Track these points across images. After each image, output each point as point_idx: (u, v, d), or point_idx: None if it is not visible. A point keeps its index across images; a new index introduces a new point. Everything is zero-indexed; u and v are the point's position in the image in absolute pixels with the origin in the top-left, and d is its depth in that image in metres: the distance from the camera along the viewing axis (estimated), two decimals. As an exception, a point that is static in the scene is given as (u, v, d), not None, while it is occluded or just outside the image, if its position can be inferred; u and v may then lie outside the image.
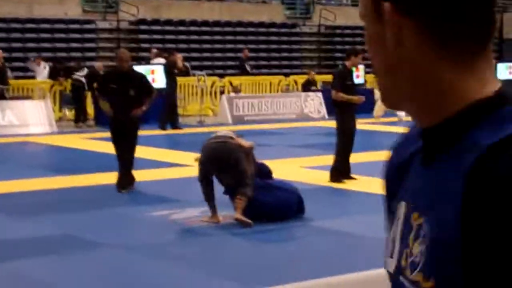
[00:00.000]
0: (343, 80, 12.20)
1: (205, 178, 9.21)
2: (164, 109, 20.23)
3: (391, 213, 1.35)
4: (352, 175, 12.22)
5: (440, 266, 1.15)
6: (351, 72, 12.52)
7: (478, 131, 1.15)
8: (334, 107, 12.54)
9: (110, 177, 11.61)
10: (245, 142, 9.40)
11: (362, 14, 1.24)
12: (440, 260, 1.15)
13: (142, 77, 11.76)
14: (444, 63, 1.18)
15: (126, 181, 11.26)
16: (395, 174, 1.35)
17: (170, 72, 20.54)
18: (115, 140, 11.35)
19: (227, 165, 9.10)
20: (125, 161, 11.26)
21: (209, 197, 9.20)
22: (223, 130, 10.98)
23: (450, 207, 1.13)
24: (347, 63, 12.46)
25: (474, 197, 1.10)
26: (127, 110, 11.10)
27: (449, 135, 1.19)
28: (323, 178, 12.58)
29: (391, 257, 1.29)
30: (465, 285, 1.11)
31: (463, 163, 1.13)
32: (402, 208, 1.28)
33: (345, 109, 12.07)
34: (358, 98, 12.25)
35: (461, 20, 1.16)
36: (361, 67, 26.34)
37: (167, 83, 20.33)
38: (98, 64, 22.47)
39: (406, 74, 1.20)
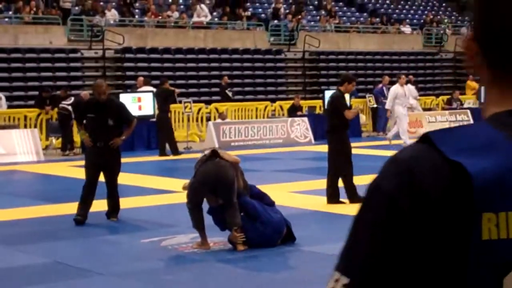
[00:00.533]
0: (344, 101, 12.71)
1: (196, 205, 9.25)
2: (163, 136, 20.36)
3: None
4: (341, 199, 12.34)
5: None
6: (344, 97, 12.91)
7: None
8: (330, 131, 12.61)
9: (99, 205, 11.63)
10: (232, 158, 9.50)
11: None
12: None
13: (120, 106, 11.70)
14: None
15: (112, 210, 11.28)
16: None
17: (166, 99, 20.55)
18: (92, 169, 11.18)
19: (222, 187, 9.16)
20: (109, 191, 11.26)
21: (200, 224, 9.24)
22: (207, 147, 11.03)
23: None
24: (341, 88, 12.76)
25: None
26: (106, 139, 11.07)
27: None
28: (310, 202, 12.65)
29: None
30: None
31: None
32: None
33: (343, 131, 12.47)
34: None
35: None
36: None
37: (164, 110, 20.42)
38: (84, 93, 22.50)
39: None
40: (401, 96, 22.76)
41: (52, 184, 16.12)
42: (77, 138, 21.26)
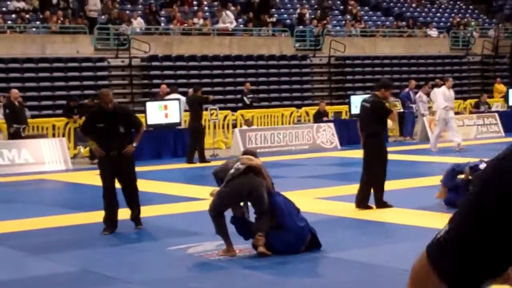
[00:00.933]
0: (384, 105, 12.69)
1: (219, 214, 9.31)
2: (194, 143, 20.48)
3: None
4: (369, 204, 12.48)
5: None
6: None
7: None
8: (370, 137, 12.60)
9: (127, 213, 11.72)
10: (255, 162, 9.53)
11: None
12: None
13: (129, 113, 11.74)
14: None
15: (136, 217, 11.32)
16: None
17: (200, 106, 20.67)
18: (109, 178, 11.14)
19: (253, 201, 9.26)
20: (130, 198, 11.27)
21: (223, 230, 9.30)
22: (237, 154, 10.93)
23: None
24: (378, 93, 12.81)
25: None
26: (119, 148, 11.04)
27: None
28: (336, 208, 12.66)
29: None
30: None
31: None
32: None
33: (382, 137, 12.78)
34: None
35: None
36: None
37: (198, 118, 20.48)
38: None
39: None
40: (449, 99, 22.44)
41: (80, 192, 16.24)
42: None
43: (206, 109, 22.98)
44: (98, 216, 12.41)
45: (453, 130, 22.32)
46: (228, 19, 32.43)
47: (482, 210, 1.55)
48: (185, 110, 22.29)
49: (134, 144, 11.33)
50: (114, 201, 11.15)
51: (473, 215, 1.59)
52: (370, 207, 12.37)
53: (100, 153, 11.16)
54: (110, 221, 11.09)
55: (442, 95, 22.31)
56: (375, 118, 12.54)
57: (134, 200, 11.28)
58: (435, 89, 27.99)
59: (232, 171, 9.39)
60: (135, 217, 11.33)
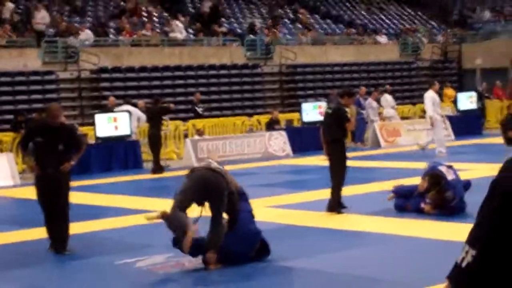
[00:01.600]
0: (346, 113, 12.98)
1: (181, 209, 9.11)
2: (157, 153, 20.65)
3: None
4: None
5: None
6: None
7: None
8: (333, 142, 12.85)
9: (75, 227, 11.49)
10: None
11: None
12: None
13: (72, 132, 11.28)
14: None
15: (63, 241, 10.69)
16: None
17: (160, 116, 20.84)
18: (46, 198, 10.65)
19: (213, 195, 9.06)
20: (60, 218, 10.66)
21: (184, 220, 9.08)
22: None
23: None
24: (342, 100, 13.22)
25: None
26: (56, 165, 10.55)
27: None
28: (289, 217, 12.58)
29: None
30: None
31: None
32: None
33: (344, 143, 12.93)
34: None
35: None
36: (323, 104, 26.48)
37: (157, 129, 20.63)
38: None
39: None
40: (436, 103, 22.20)
41: (28, 208, 15.89)
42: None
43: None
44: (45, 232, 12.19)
45: (438, 135, 22.07)
46: (178, 29, 32.27)
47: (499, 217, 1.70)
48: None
49: (72, 162, 10.78)
50: (56, 222, 10.73)
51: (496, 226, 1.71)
52: (342, 212, 12.67)
53: (36, 170, 10.66)
54: (56, 243, 10.72)
55: (431, 99, 21.98)
56: (338, 124, 12.80)
57: (64, 221, 10.71)
58: (385, 95, 28.17)
59: (196, 164, 9.36)
60: (63, 240, 10.66)
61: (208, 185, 9.04)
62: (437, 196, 11.92)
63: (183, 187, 9.18)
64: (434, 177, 12.02)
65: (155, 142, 20.65)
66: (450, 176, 11.97)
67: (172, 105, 22.06)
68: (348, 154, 13.39)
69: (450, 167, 12.31)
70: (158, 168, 20.60)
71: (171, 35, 32.06)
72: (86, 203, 15.37)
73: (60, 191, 10.69)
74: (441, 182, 11.90)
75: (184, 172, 17.86)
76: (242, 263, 9.14)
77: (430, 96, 21.95)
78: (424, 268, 8.60)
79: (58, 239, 10.65)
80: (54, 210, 10.68)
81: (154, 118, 20.76)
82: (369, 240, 10.49)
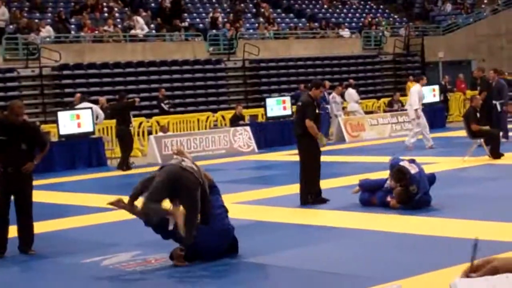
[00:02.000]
0: (313, 109, 12.92)
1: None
2: (125, 149, 20.55)
3: None
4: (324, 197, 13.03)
5: None
6: (315, 101, 13.15)
7: None
8: (302, 136, 12.97)
9: (39, 227, 11.36)
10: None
11: None
12: None
13: (36, 131, 11.03)
14: None
15: (28, 241, 10.51)
16: None
17: (128, 112, 20.70)
18: (3, 197, 10.37)
19: (184, 190, 9.00)
20: (23, 219, 10.45)
21: (160, 207, 9.05)
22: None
23: None
24: (311, 93, 13.16)
25: None
26: (18, 164, 10.32)
27: None
28: (255, 212, 12.55)
29: None
30: None
31: None
32: None
33: (310, 135, 12.84)
34: (321, 138, 13.38)
35: None
36: (287, 98, 26.54)
37: (126, 125, 20.43)
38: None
39: None
40: (421, 97, 21.91)
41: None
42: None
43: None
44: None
45: (425, 128, 21.87)
46: (139, 25, 32.09)
47: None
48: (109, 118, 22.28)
49: (35, 162, 10.57)
50: (6, 220, 10.51)
51: None
52: (325, 200, 12.92)
53: None
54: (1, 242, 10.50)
55: (417, 93, 21.76)
56: (306, 117, 12.82)
57: (27, 222, 10.48)
58: (349, 89, 28.24)
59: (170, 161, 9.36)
60: (27, 241, 10.46)
61: (178, 184, 8.98)
62: (401, 190, 11.96)
63: (154, 185, 9.09)
64: (399, 172, 12.06)
65: (123, 138, 20.47)
66: (413, 170, 12.01)
67: (137, 99, 21.93)
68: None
69: (412, 161, 12.35)
70: (124, 165, 20.39)
71: (133, 31, 31.86)
72: (50, 201, 15.24)
73: (23, 190, 10.50)
74: (405, 177, 11.95)
75: (149, 169, 17.76)
76: (213, 259, 9.10)
77: (416, 89, 21.93)
78: (390, 262, 8.62)
79: (23, 238, 10.50)
80: (19, 210, 10.50)
81: (121, 114, 20.60)
82: (335, 234, 10.50)
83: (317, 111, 13.06)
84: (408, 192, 11.92)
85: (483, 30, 40.68)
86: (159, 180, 9.09)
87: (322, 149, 13.50)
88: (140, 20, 32.27)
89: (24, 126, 10.56)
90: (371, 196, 12.48)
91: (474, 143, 18.15)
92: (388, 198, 12.16)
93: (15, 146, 10.34)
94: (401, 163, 12.21)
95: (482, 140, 17.95)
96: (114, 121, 23.70)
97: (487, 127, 18.52)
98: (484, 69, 24.13)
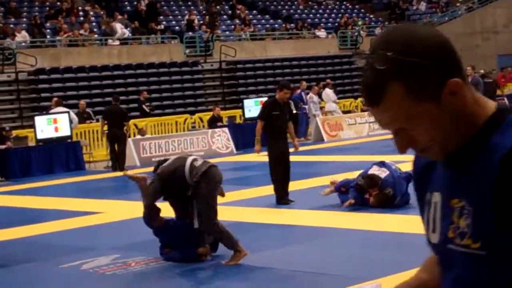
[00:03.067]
0: (270, 110, 13.01)
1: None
2: (123, 152, 20.88)
3: (422, 202, 1.99)
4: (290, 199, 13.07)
5: (483, 230, 1.76)
6: (278, 104, 13.13)
7: (496, 137, 1.78)
8: (266, 137, 13.25)
9: (17, 232, 11.30)
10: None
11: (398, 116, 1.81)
12: (482, 226, 1.76)
13: None
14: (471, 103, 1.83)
15: None
16: (421, 176, 2.01)
17: (124, 116, 21.01)
18: None
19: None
20: None
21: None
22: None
23: (487, 188, 1.74)
24: (277, 95, 13.31)
25: (507, 178, 1.71)
26: None
27: (474, 145, 1.81)
28: (234, 213, 12.52)
29: (434, 232, 1.94)
30: (499, 237, 1.73)
31: (494, 158, 1.74)
32: (436, 197, 1.92)
33: (272, 137, 13.00)
34: (257, 148, 13.32)
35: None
36: (265, 99, 26.53)
37: (121, 127, 20.72)
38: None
39: (451, 120, 1.81)
40: None
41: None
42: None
43: (97, 120, 22.55)
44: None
45: None
46: (115, 28, 32.03)
47: None
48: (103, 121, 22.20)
49: None
50: None
51: None
52: (291, 201, 12.98)
53: None
54: None
55: None
56: (260, 117, 13.20)
57: None
58: (326, 89, 28.27)
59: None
60: None
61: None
62: (378, 194, 11.92)
63: (153, 189, 9.08)
64: (369, 179, 11.99)
65: (123, 141, 20.94)
66: (383, 174, 11.96)
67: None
68: (293, 149, 13.45)
69: (382, 164, 12.28)
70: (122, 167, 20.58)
71: (115, 37, 31.77)
72: (28, 206, 15.14)
73: None
74: (377, 183, 11.91)
75: (127, 172, 17.67)
76: (192, 260, 9.08)
77: None
78: (370, 261, 8.63)
79: None
80: None
81: (116, 117, 20.82)
82: (315, 234, 10.50)
83: (276, 112, 12.97)
84: (385, 195, 11.90)
85: (458, 28, 40.90)
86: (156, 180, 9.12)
87: (302, 148, 13.61)
88: (117, 26, 32.20)
89: None
90: (348, 198, 12.42)
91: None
92: (367, 195, 12.10)
93: None
94: (370, 171, 12.14)
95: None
96: (92, 124, 23.63)
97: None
98: (474, 67, 24.33)
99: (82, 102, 25.03)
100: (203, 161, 9.18)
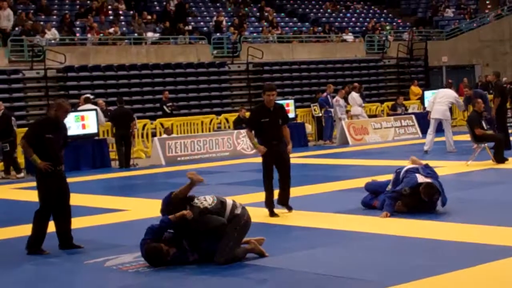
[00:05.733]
0: (257, 117, 12.32)
1: None
2: (129, 150, 21.72)
3: None
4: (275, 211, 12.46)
5: None
6: (267, 109, 12.32)
7: None
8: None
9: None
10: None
11: None
12: None
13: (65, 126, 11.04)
14: None
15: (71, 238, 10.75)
16: None
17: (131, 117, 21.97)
18: (55, 197, 10.56)
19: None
20: (69, 216, 10.71)
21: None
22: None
23: None
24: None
25: None
26: (62, 162, 10.70)
27: None
28: (258, 214, 12.57)
29: None
30: None
31: None
32: None
33: (263, 144, 12.30)
34: (260, 148, 12.33)
35: None
36: (291, 102, 26.67)
37: (128, 127, 21.68)
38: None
39: None
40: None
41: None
42: (21, 159, 20.87)
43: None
44: (13, 231, 12.11)
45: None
46: (144, 28, 32.23)
47: None
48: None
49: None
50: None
51: None
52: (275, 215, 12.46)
53: (48, 167, 10.35)
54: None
55: (445, 96, 21.48)
56: (249, 125, 12.63)
57: (70, 219, 10.71)
58: (353, 93, 28.27)
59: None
60: (71, 239, 10.70)
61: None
62: (413, 200, 11.81)
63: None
64: (429, 188, 11.62)
65: (128, 139, 21.73)
66: (430, 180, 11.89)
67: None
68: (316, 152, 13.46)
69: (425, 169, 12.18)
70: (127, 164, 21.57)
71: (138, 34, 31.96)
72: (54, 202, 15.26)
73: (68, 189, 10.77)
74: (437, 190, 11.72)
75: (152, 170, 17.81)
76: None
77: (454, 95, 21.87)
78: (394, 266, 8.65)
79: (70, 237, 10.66)
80: (67, 212, 10.75)
81: (126, 119, 21.69)
82: (340, 238, 10.52)
83: (266, 119, 12.15)
84: (431, 201, 11.79)
85: (486, 35, 40.72)
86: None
87: (327, 151, 13.41)
88: (146, 23, 32.44)
89: (63, 123, 10.72)
90: (374, 199, 12.48)
91: (477, 147, 18.18)
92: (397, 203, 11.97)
93: (61, 143, 10.71)
94: (420, 179, 11.83)
95: (485, 144, 17.98)
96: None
97: (491, 132, 18.54)
98: (499, 73, 24.01)
99: (101, 101, 25.15)
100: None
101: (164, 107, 27.27)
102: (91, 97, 24.08)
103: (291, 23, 39.19)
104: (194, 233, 9.22)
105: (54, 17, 32.44)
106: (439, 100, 21.34)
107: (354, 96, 28.01)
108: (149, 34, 32.35)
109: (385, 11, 45.19)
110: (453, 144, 21.18)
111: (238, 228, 9.25)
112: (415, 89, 33.60)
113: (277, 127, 12.27)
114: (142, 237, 9.27)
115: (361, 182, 13.52)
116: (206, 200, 9.41)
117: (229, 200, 9.52)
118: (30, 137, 10.50)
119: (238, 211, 9.39)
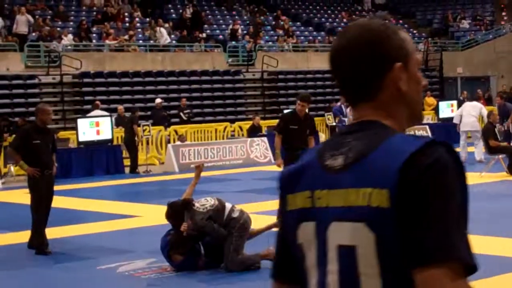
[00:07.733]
0: (287, 123, 12.52)
1: None
2: (135, 155, 22.04)
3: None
4: None
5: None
6: (298, 117, 12.51)
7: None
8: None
9: (56, 232, 11.52)
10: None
11: None
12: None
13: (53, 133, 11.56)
14: None
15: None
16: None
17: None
18: (45, 201, 10.91)
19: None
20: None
21: None
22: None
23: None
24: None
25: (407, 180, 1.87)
26: (51, 166, 10.94)
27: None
28: (270, 223, 12.61)
29: None
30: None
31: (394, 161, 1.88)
32: None
33: (287, 151, 12.45)
34: (278, 163, 12.69)
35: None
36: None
37: (133, 135, 22.07)
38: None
39: None
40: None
41: (11, 212, 15.91)
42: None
43: (139, 125, 22.80)
44: (28, 235, 12.18)
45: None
46: (163, 38, 32.37)
47: None
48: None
49: (56, 164, 11.14)
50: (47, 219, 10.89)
51: None
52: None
53: (35, 173, 10.60)
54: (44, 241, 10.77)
55: (473, 108, 21.59)
56: (278, 130, 12.81)
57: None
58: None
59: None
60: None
61: None
62: None
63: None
64: None
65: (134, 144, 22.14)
66: None
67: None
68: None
69: None
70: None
71: (153, 41, 32.09)
72: (67, 207, 15.37)
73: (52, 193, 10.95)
74: None
75: (165, 177, 17.85)
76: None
77: (480, 106, 21.89)
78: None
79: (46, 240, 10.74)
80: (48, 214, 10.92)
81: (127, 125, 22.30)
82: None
83: (294, 126, 12.32)
84: None
85: (502, 46, 40.63)
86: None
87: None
88: (163, 31, 32.54)
89: (48, 128, 10.99)
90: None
91: (492, 158, 18.16)
92: None
93: (48, 148, 10.83)
94: None
95: (500, 156, 17.97)
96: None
97: (505, 143, 18.53)
98: None
99: (121, 107, 25.29)
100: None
101: (181, 113, 27.35)
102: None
103: (306, 32, 39.24)
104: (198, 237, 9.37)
105: (71, 23, 32.62)
106: (466, 113, 21.36)
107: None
108: (164, 35, 32.37)
109: (400, 21, 45.17)
110: (482, 155, 21.14)
111: (234, 232, 9.28)
112: (429, 100, 33.55)
113: (304, 136, 12.43)
114: (155, 244, 9.36)
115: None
116: (208, 201, 9.43)
117: (228, 204, 9.59)
118: (17, 144, 10.87)
119: (235, 214, 9.45)
